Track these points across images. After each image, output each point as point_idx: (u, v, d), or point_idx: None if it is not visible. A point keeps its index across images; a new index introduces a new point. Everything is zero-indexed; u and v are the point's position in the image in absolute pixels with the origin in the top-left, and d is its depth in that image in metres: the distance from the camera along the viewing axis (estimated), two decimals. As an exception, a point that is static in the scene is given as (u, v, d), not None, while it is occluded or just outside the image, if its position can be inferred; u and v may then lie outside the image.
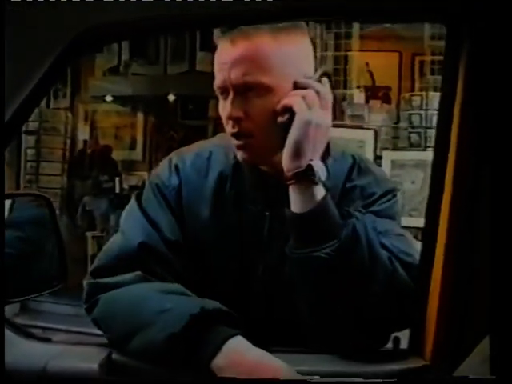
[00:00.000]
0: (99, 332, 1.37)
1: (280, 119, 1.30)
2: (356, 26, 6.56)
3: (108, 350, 1.29)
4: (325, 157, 1.35)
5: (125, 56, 8.44)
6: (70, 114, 8.29)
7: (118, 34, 1.20)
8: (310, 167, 1.26)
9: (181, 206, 1.42)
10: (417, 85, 6.85)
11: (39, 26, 1.05)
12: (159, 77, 8.52)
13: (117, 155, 8.75)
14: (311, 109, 1.27)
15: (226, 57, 1.33)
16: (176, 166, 1.46)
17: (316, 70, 1.36)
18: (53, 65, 1.07)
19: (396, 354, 1.26)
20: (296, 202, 1.27)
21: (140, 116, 9.39)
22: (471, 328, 1.09)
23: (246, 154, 1.35)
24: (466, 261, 1.10)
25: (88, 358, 1.26)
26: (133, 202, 1.47)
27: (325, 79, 1.34)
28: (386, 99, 6.78)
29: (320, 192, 1.27)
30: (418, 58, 6.96)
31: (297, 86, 1.31)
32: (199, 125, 8.40)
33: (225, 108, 1.34)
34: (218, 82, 1.34)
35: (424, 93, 6.24)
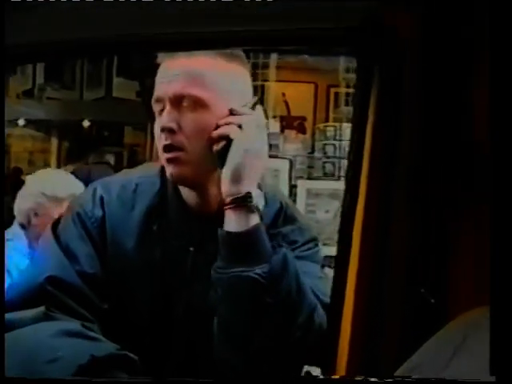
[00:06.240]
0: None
1: (215, 147, 1.30)
2: (273, 57, 6.66)
3: None
4: (261, 186, 1.36)
5: (39, 79, 8.32)
6: (-20, 138, 8.08)
7: (26, 56, 1.17)
8: (248, 194, 1.28)
9: (104, 238, 1.37)
10: (331, 115, 6.98)
11: None
12: (75, 102, 8.43)
13: (29, 181, 8.57)
14: (247, 135, 1.29)
15: (166, 72, 1.33)
16: (101, 198, 1.39)
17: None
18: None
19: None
20: (231, 223, 1.27)
21: (54, 141, 9.24)
22: (384, 356, 1.11)
23: (176, 169, 1.31)
24: (377, 288, 1.12)
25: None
26: (48, 232, 1.39)
27: (259, 107, 1.34)
28: (301, 129, 6.88)
29: (255, 219, 1.28)
30: (332, 90, 7.10)
31: (232, 113, 1.31)
32: (115, 151, 8.33)
33: (160, 121, 1.32)
34: (155, 95, 1.32)
35: (338, 124, 6.36)
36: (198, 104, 1.30)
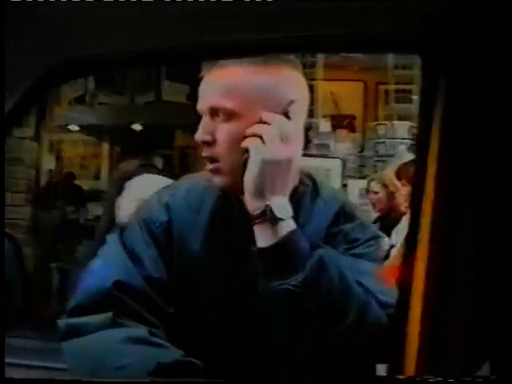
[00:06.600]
0: (63, 366, 1.34)
1: (242, 159, 1.29)
2: (320, 56, 6.64)
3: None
4: (297, 189, 1.37)
5: (91, 86, 8.44)
6: (34, 144, 8.22)
7: (91, 67, 1.18)
8: (267, 207, 1.26)
9: (170, 242, 1.39)
10: (381, 113, 6.94)
11: (8, 57, 1.02)
12: (125, 106, 8.54)
13: (82, 185, 8.71)
14: (267, 146, 1.27)
15: (206, 85, 1.36)
16: (167, 202, 1.42)
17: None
18: (22, 97, 1.04)
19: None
20: (260, 238, 1.27)
21: (105, 145, 9.37)
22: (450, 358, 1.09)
23: (217, 179, 1.35)
24: (446, 290, 1.10)
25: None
26: (115, 236, 1.44)
27: (294, 108, 1.32)
28: (351, 128, 6.85)
29: (286, 227, 1.27)
30: (382, 87, 7.05)
31: (261, 120, 1.30)
32: (165, 154, 8.40)
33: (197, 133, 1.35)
34: (197, 107, 1.36)
35: (389, 122, 6.32)
36: (232, 116, 1.31)
